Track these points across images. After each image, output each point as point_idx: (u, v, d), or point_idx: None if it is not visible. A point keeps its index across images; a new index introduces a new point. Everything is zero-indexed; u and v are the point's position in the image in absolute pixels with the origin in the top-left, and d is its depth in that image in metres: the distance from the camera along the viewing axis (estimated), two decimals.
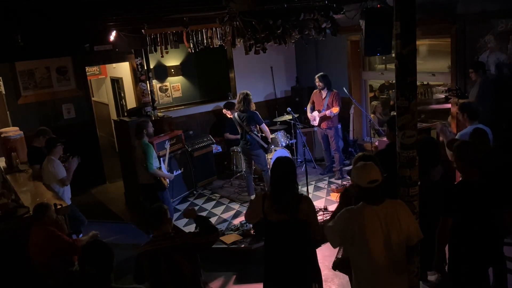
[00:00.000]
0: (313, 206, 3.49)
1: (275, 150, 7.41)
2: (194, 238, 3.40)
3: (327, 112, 7.34)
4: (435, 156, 4.16)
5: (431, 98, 9.71)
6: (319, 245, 4.45)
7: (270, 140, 6.92)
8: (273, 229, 3.47)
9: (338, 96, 7.44)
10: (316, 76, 7.47)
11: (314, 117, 7.57)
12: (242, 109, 6.66)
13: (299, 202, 3.39)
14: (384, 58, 8.74)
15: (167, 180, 6.19)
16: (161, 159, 6.39)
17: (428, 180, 3.98)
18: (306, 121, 8.49)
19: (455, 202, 3.41)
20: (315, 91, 7.69)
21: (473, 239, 3.43)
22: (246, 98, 6.65)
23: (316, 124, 7.61)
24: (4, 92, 7.82)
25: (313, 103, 7.69)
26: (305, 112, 8.48)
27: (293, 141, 8.28)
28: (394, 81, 3.19)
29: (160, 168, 6.12)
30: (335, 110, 7.33)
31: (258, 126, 6.73)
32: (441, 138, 5.26)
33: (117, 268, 3.08)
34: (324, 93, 7.46)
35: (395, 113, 3.06)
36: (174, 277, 3.27)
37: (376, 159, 3.61)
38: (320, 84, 7.40)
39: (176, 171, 7.21)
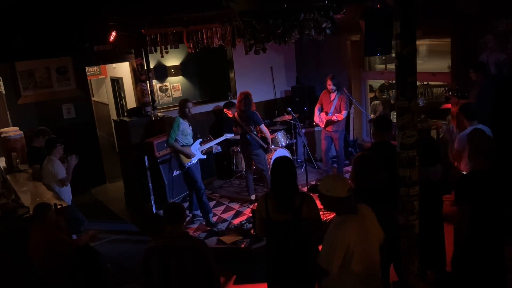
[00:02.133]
0: (315, 204, 3.50)
1: (275, 150, 7.41)
2: (204, 247, 3.37)
3: (333, 118, 7.22)
4: (433, 155, 4.16)
5: (431, 98, 9.72)
6: (321, 242, 4.45)
7: (269, 141, 6.91)
8: (276, 228, 3.47)
9: (347, 99, 7.32)
10: (330, 78, 7.21)
11: (321, 118, 7.42)
12: (242, 108, 6.66)
13: (302, 201, 3.40)
14: (384, 58, 8.75)
15: (190, 159, 6.17)
16: (199, 140, 6.45)
17: (425, 179, 3.98)
18: (306, 122, 8.49)
19: (466, 191, 3.44)
20: (324, 91, 7.48)
21: (482, 230, 3.46)
22: (247, 98, 6.64)
23: (323, 126, 7.47)
24: (4, 92, 7.82)
25: (321, 103, 7.51)
26: (305, 112, 8.48)
27: (293, 141, 8.28)
28: (394, 81, 3.19)
29: (189, 145, 6.19)
30: (340, 117, 7.21)
31: (257, 126, 6.72)
32: (442, 136, 5.27)
33: (117, 268, 3.08)
34: (333, 95, 7.29)
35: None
36: (179, 275, 3.26)
37: (375, 157, 3.62)
38: (333, 87, 7.20)
39: (176, 171, 7.21)
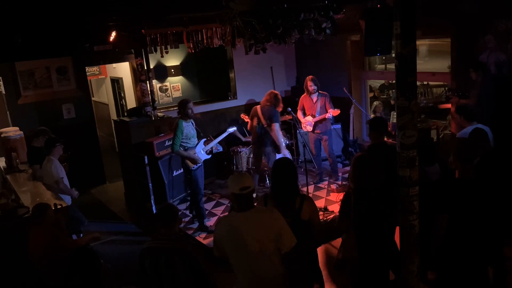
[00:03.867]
0: (315, 206, 3.50)
1: None
2: (195, 250, 3.34)
3: (327, 115, 7.12)
4: (431, 155, 4.16)
5: (431, 98, 9.73)
6: (320, 245, 4.46)
7: (278, 143, 6.65)
8: None
9: (330, 98, 7.24)
10: (309, 79, 7.15)
11: (309, 122, 7.31)
12: (269, 103, 6.56)
13: (301, 203, 3.40)
14: (384, 58, 8.77)
15: (197, 162, 6.07)
16: (202, 140, 6.36)
17: (423, 178, 3.98)
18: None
19: (450, 199, 3.41)
20: (303, 95, 7.39)
21: (468, 238, 3.43)
22: (276, 97, 6.58)
23: (311, 130, 7.33)
24: (4, 92, 7.82)
25: (303, 108, 7.38)
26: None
27: (293, 141, 8.27)
28: (394, 81, 3.19)
29: (194, 147, 6.12)
30: (336, 112, 7.10)
31: (272, 123, 6.53)
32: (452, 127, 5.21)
33: (117, 268, 3.09)
34: (315, 97, 7.21)
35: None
36: (171, 277, 3.27)
37: (375, 158, 3.62)
38: (315, 87, 7.13)
39: (176, 171, 7.21)
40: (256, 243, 3.00)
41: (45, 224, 4.11)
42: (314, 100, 7.24)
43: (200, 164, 6.14)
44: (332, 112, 7.11)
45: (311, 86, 7.14)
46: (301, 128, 7.44)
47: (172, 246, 3.28)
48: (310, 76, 7.22)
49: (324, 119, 7.20)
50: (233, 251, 3.07)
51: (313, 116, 7.24)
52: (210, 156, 6.46)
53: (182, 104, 6.09)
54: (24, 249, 4.12)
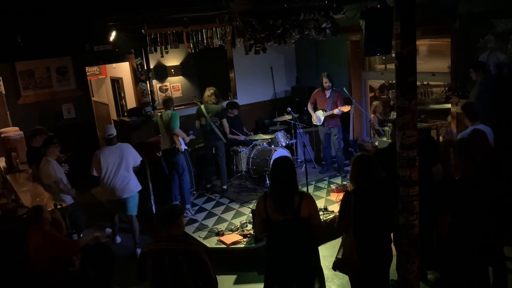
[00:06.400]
0: (314, 203, 3.50)
1: (275, 150, 7.41)
2: (202, 254, 3.32)
3: (336, 111, 7.33)
4: (434, 155, 4.16)
5: (431, 98, 9.73)
6: (321, 243, 4.45)
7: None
8: (275, 228, 3.48)
9: (342, 95, 7.48)
10: (324, 75, 7.43)
11: (318, 116, 7.56)
12: (214, 101, 7.16)
13: (301, 200, 3.40)
14: (384, 58, 8.74)
15: (182, 145, 6.62)
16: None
17: (430, 179, 3.98)
18: (306, 121, 8.48)
19: (452, 199, 3.41)
20: (317, 90, 7.66)
21: (469, 237, 3.43)
22: (216, 93, 7.20)
23: (320, 123, 7.60)
24: (4, 92, 7.82)
25: (314, 102, 7.66)
26: (305, 112, 8.47)
27: (293, 141, 8.28)
28: (394, 81, 3.18)
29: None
30: (347, 108, 7.36)
31: (221, 119, 7.21)
32: (441, 139, 5.28)
33: (117, 268, 3.09)
34: (328, 92, 7.47)
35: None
36: (175, 279, 3.26)
37: (374, 157, 3.62)
38: (329, 84, 7.41)
39: None
40: (117, 160, 5.49)
41: (42, 225, 4.11)
42: (327, 96, 7.49)
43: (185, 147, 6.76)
44: (343, 108, 7.36)
45: (326, 82, 7.44)
46: (313, 121, 7.81)
47: (176, 247, 3.27)
48: (325, 73, 7.52)
49: (335, 114, 7.41)
50: (105, 169, 5.50)
51: (324, 111, 7.49)
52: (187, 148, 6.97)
53: (171, 100, 6.73)
54: (24, 249, 4.12)
